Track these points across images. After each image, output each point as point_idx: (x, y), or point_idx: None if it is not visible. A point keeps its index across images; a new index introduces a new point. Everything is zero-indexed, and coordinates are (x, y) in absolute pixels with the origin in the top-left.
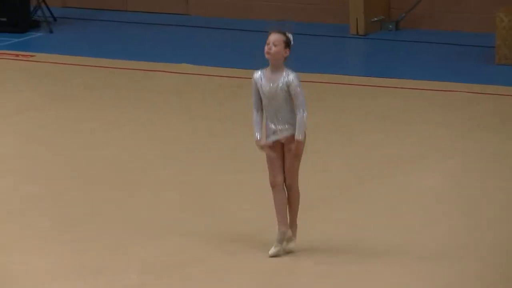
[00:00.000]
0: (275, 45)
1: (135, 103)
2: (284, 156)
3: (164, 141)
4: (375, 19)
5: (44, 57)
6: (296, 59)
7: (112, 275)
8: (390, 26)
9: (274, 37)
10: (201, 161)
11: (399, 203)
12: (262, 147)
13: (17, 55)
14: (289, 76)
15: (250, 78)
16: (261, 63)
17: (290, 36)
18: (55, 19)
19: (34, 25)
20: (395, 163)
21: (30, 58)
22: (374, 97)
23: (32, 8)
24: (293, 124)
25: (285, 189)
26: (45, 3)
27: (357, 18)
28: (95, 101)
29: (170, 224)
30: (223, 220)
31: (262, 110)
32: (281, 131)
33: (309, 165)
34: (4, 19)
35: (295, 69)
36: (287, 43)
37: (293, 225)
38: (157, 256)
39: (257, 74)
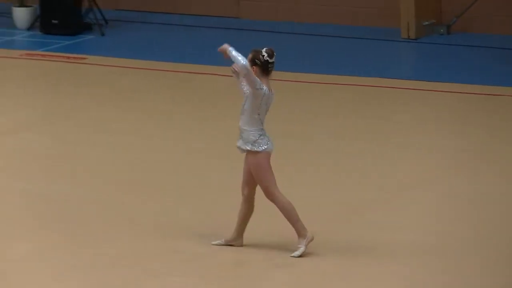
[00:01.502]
0: None
1: (185, 105)
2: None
3: (214, 143)
4: (426, 23)
5: (95, 60)
6: (347, 62)
7: (157, 276)
8: (442, 30)
9: None
10: None
11: (442, 208)
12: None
13: (68, 57)
14: None
15: (300, 82)
16: (313, 66)
17: (261, 52)
18: (106, 21)
19: (86, 28)
20: (442, 167)
21: (82, 61)
22: (425, 101)
23: (84, 11)
24: (243, 139)
25: (247, 202)
26: (97, 6)
27: (408, 22)
28: (146, 103)
29: (216, 227)
30: (262, 226)
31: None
32: (238, 140)
33: (355, 168)
34: (56, 22)
35: (341, 72)
36: (252, 61)
37: (239, 234)
38: (201, 258)
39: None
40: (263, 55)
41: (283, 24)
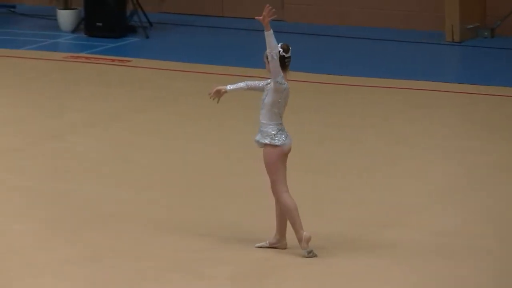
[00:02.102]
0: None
1: (230, 108)
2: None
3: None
4: (471, 26)
5: (140, 62)
6: (391, 65)
7: (207, 280)
8: (486, 33)
9: None
10: (304, 169)
11: (491, 211)
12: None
13: (113, 60)
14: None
15: (344, 84)
16: (356, 68)
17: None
18: (151, 24)
19: (130, 30)
20: (490, 171)
21: (126, 63)
22: (470, 104)
23: (128, 13)
24: (262, 133)
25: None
26: (142, 9)
27: (452, 25)
28: (192, 107)
29: (262, 230)
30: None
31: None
32: (257, 134)
33: (404, 171)
34: (100, 24)
35: (384, 75)
36: (266, 57)
37: (282, 235)
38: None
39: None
40: (279, 51)
41: (327, 27)
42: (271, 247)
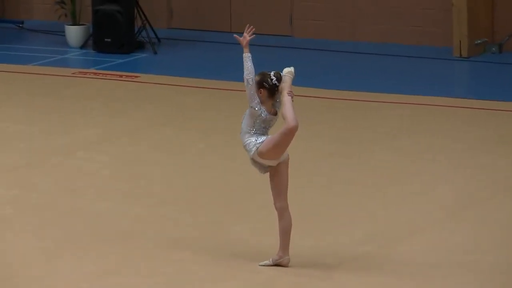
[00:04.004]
0: None
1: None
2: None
3: None
4: (479, 41)
5: (148, 78)
6: (398, 81)
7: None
8: (493, 49)
9: None
10: (309, 185)
11: (503, 227)
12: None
13: (121, 76)
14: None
15: (352, 100)
16: (363, 84)
17: (269, 76)
18: (159, 40)
19: (139, 46)
20: (502, 187)
21: (135, 79)
22: (479, 120)
23: (136, 29)
24: (250, 152)
25: (281, 218)
26: (150, 24)
27: (460, 41)
28: (201, 123)
29: (271, 248)
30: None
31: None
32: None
33: (414, 187)
34: (109, 40)
35: (392, 91)
36: (260, 84)
37: (284, 251)
38: (256, 280)
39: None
40: (272, 79)
41: (336, 43)
42: (275, 264)
